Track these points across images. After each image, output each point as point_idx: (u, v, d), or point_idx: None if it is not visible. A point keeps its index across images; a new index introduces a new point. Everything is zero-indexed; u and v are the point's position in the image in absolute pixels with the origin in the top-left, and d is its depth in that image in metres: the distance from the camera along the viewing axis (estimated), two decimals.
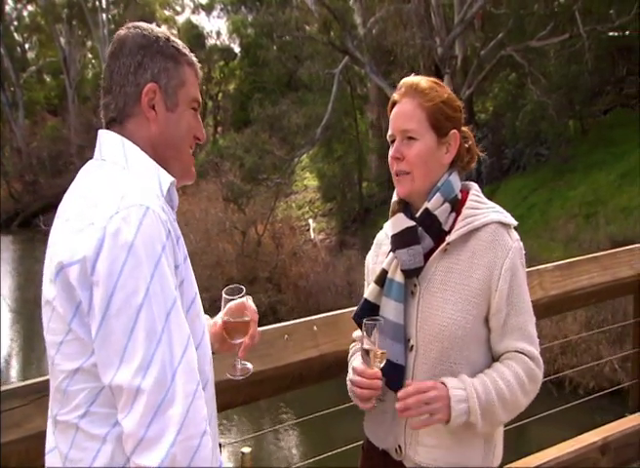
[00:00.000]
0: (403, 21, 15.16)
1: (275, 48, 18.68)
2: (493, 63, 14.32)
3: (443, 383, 1.45)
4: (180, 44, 1.33)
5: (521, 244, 1.53)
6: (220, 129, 25.35)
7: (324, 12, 15.57)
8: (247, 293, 1.46)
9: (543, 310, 1.47)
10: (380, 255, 1.68)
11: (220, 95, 26.49)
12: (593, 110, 14.82)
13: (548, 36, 14.01)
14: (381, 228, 1.73)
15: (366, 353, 1.46)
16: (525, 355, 1.50)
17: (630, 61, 15.84)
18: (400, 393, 1.43)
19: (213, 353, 1.35)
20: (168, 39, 1.31)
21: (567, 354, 9.12)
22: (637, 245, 2.13)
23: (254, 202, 16.60)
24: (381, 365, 1.46)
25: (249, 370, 1.46)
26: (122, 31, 1.31)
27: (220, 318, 1.47)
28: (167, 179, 1.25)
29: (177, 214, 1.33)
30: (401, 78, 1.65)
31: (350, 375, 1.54)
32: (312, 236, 16.87)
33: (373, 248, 1.73)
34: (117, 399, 1.10)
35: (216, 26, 56.30)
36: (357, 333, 1.69)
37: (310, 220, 17.42)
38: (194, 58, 1.34)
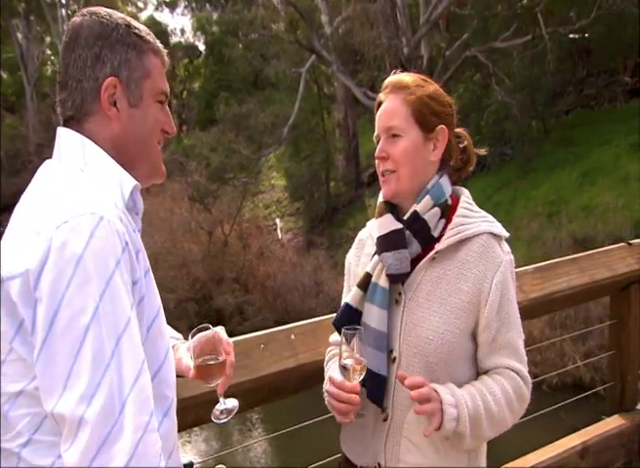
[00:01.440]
0: (369, 21, 15.19)
1: (241, 46, 18.52)
2: (458, 64, 14.46)
3: (435, 390, 1.37)
4: (144, 30, 1.20)
5: (512, 256, 1.46)
6: (184, 127, 25.01)
7: (290, 10, 15.51)
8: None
9: (523, 314, 1.44)
10: (362, 256, 1.59)
11: (185, 93, 26.15)
12: (555, 110, 15.11)
13: (511, 37, 14.23)
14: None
15: (344, 365, 1.37)
16: (515, 372, 1.44)
17: (590, 63, 16.21)
18: (408, 381, 1.34)
19: (180, 376, 1.26)
20: (129, 26, 1.18)
21: (532, 351, 9.24)
22: (613, 246, 2.14)
23: (220, 201, 16.42)
24: (361, 377, 1.37)
25: (235, 408, 1.33)
26: (77, 19, 1.17)
27: (189, 358, 1.30)
28: (129, 183, 1.14)
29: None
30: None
31: (327, 386, 1.45)
32: (280, 236, 16.78)
33: (354, 246, 1.64)
34: (61, 428, 0.98)
35: (180, 24, 55.78)
36: (334, 338, 1.62)
37: (277, 220, 17.33)
38: (160, 45, 1.22)
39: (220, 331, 1.33)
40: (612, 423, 2.08)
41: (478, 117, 14.15)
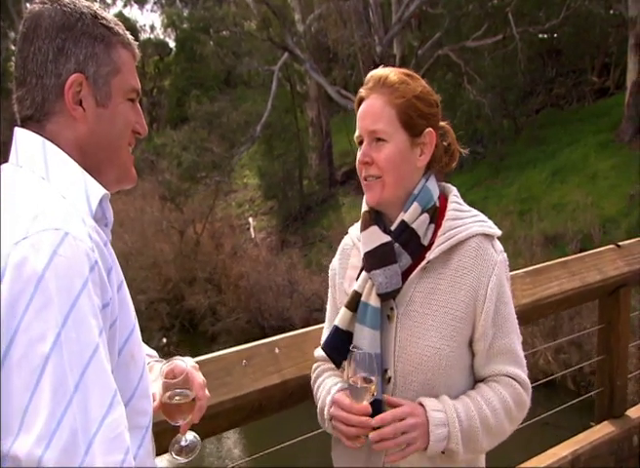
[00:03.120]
0: (342, 19, 15.15)
1: (212, 43, 18.30)
2: (430, 63, 14.52)
3: (421, 404, 1.32)
4: (112, 20, 1.08)
5: (505, 255, 1.39)
6: (155, 126, 24.66)
7: (262, 8, 15.37)
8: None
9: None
10: (349, 269, 1.48)
11: (155, 90, 25.79)
12: (525, 110, 15.29)
13: (483, 37, 14.35)
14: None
15: (354, 384, 1.28)
16: (513, 379, 1.37)
17: (559, 63, 16.46)
18: (375, 420, 1.28)
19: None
20: (95, 16, 1.05)
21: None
22: (602, 248, 2.11)
23: (192, 201, 16.24)
24: (372, 398, 1.28)
25: (196, 446, 1.20)
26: (35, 6, 1.04)
27: (158, 385, 1.17)
28: (97, 192, 1.02)
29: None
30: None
31: (331, 409, 1.35)
32: (253, 235, 16.65)
33: (338, 256, 1.54)
34: None
35: (149, 20, 54.95)
36: (320, 353, 1.51)
37: (250, 219, 17.19)
38: (130, 37, 1.10)
39: (194, 371, 1.19)
40: (602, 430, 2.05)
41: (451, 116, 13.98)
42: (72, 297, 0.88)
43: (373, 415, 1.31)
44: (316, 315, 13.81)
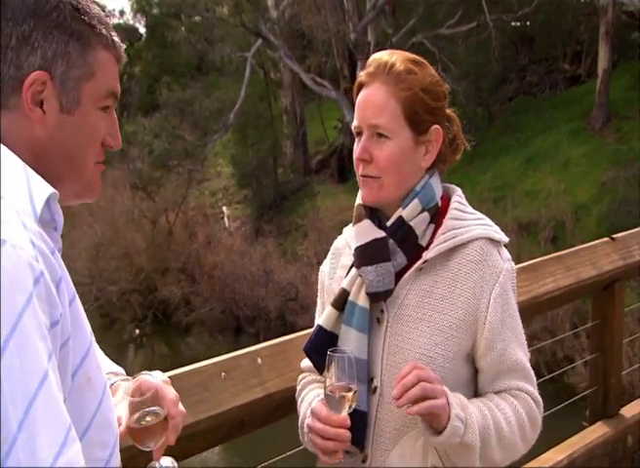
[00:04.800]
0: (316, 5, 14.97)
1: (184, 29, 17.95)
2: (405, 50, 14.43)
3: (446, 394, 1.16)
4: (98, 16, 0.92)
5: (512, 264, 1.27)
6: (125, 113, 24.18)
7: None
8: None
9: None
10: (338, 269, 1.36)
11: (126, 77, 25.26)
12: (499, 97, 15.35)
13: (457, 24, 14.32)
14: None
15: (332, 393, 1.14)
16: (525, 393, 1.25)
17: (531, 51, 16.56)
18: (398, 376, 1.13)
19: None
20: (78, 8, 0.89)
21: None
22: (597, 241, 2.05)
23: (164, 189, 15.99)
24: (351, 409, 1.15)
25: None
26: None
27: (124, 407, 1.02)
28: (42, 191, 0.85)
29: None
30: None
31: (308, 420, 1.21)
32: (227, 224, 16.47)
33: (329, 258, 1.40)
34: None
35: (119, 5, 53.72)
36: (307, 362, 1.39)
37: (224, 208, 17.00)
38: (116, 39, 0.95)
39: (166, 386, 1.04)
40: (596, 431, 1.99)
41: None
42: (14, 317, 0.74)
43: (355, 429, 1.18)
44: (292, 304, 13.76)
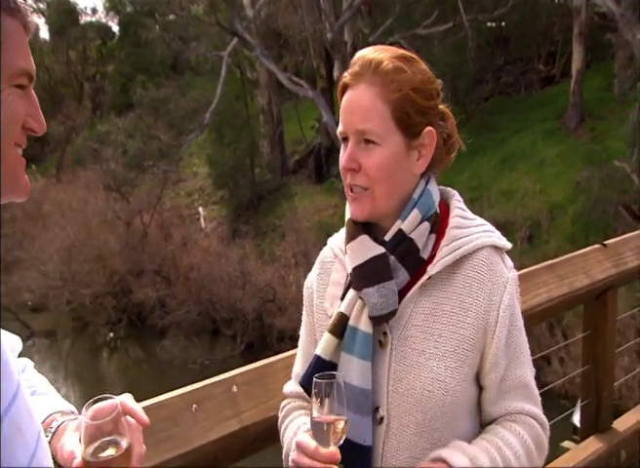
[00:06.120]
0: (293, 4, 14.86)
1: (158, 28, 17.70)
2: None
3: (443, 460, 1.07)
4: None
5: (516, 273, 1.18)
6: (98, 112, 23.80)
7: None
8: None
9: None
10: (330, 286, 1.23)
11: (98, 76, 24.88)
12: (475, 97, 15.43)
13: (433, 24, 14.33)
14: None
15: (318, 424, 1.03)
16: (531, 417, 1.16)
17: (507, 51, 16.68)
18: None
19: None
20: None
21: None
22: (589, 248, 1.98)
23: (139, 190, 15.76)
24: (341, 441, 1.04)
25: None
26: None
27: (76, 442, 0.88)
28: None
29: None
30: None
31: (293, 454, 1.09)
32: (203, 225, 16.28)
33: (317, 271, 1.27)
34: None
35: (90, 2, 52.85)
36: (291, 387, 1.27)
37: (201, 209, 16.80)
38: (22, 2, 0.81)
39: (127, 399, 0.91)
40: (589, 448, 1.91)
41: None
42: None
43: (360, 466, 1.08)
44: (269, 306, 13.65)
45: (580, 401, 2.09)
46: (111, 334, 14.12)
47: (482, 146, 14.12)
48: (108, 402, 0.87)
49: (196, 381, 1.29)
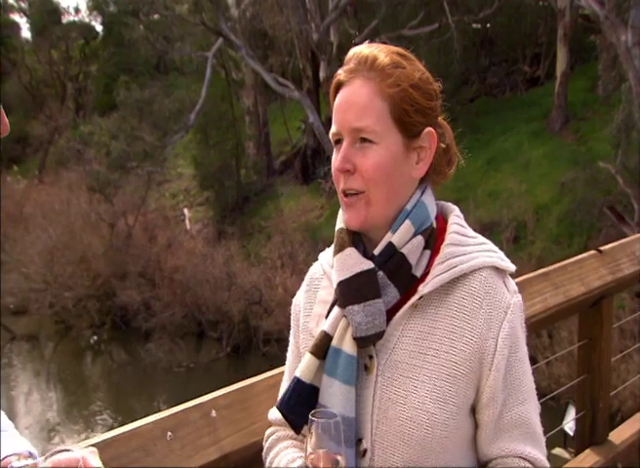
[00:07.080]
0: (278, 4, 14.79)
1: (142, 27, 17.53)
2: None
3: None
4: None
5: (520, 298, 1.07)
6: (81, 113, 23.53)
7: None
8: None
9: None
10: (316, 305, 1.14)
11: (81, 76, 24.59)
12: (461, 98, 15.46)
13: (419, 25, 14.35)
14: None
15: (314, 466, 0.94)
16: (528, 462, 1.05)
17: (492, 53, 16.75)
18: None
19: None
20: None
21: None
22: (584, 254, 1.93)
23: (123, 191, 15.58)
24: None
25: None
26: None
27: None
28: None
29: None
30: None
31: None
32: (188, 226, 16.15)
33: (304, 289, 1.19)
34: None
35: (73, 1, 52.55)
36: (276, 414, 1.16)
37: (186, 210, 16.67)
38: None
39: (90, 456, 0.82)
40: (585, 462, 1.85)
41: None
42: None
43: None
44: (255, 308, 13.56)
45: (572, 407, 2.04)
46: (95, 338, 13.96)
47: (467, 147, 14.04)
48: (69, 455, 0.80)
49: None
